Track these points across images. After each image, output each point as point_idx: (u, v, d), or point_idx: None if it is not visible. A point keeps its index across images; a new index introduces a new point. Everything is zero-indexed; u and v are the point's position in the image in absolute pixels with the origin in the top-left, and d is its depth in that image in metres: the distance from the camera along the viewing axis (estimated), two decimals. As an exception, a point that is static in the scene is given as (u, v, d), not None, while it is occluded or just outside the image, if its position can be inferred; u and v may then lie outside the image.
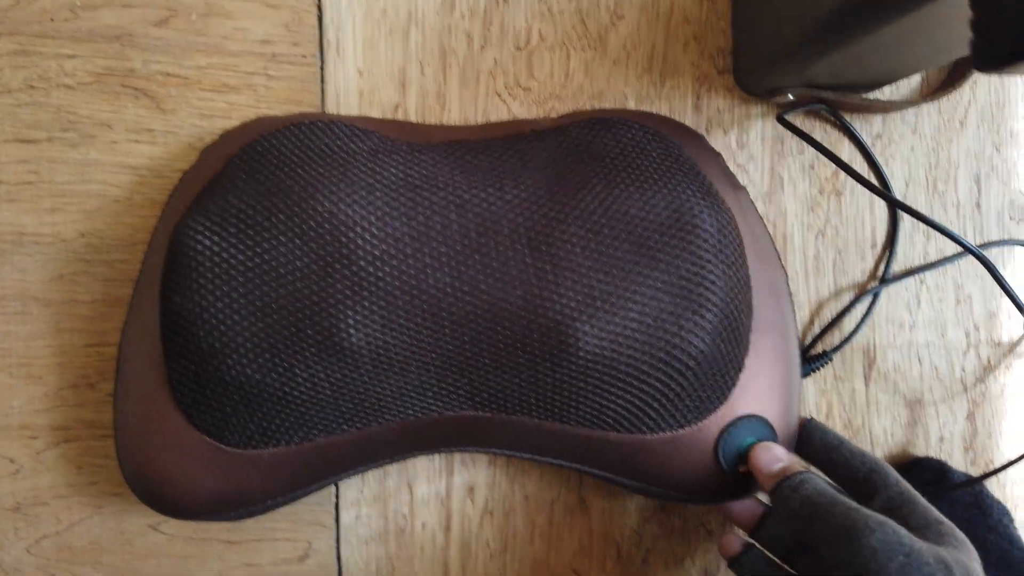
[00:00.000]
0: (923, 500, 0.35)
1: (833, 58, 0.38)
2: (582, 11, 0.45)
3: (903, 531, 0.31)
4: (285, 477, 0.38)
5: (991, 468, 0.47)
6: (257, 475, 0.38)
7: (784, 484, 0.35)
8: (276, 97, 0.44)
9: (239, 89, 0.44)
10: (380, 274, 0.35)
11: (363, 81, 0.45)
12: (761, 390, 0.39)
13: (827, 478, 0.38)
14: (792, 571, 0.38)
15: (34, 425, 0.44)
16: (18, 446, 0.44)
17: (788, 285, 0.41)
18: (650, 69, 0.46)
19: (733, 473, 0.38)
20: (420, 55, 0.45)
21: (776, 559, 0.39)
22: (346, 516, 0.45)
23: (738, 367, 0.38)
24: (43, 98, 0.43)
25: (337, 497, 0.45)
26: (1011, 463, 0.43)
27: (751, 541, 0.40)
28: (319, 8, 0.44)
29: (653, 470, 0.39)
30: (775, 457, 0.36)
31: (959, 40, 0.36)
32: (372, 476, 0.45)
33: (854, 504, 0.33)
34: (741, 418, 0.38)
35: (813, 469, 0.37)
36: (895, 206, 0.42)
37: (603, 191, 0.36)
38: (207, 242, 0.35)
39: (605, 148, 0.37)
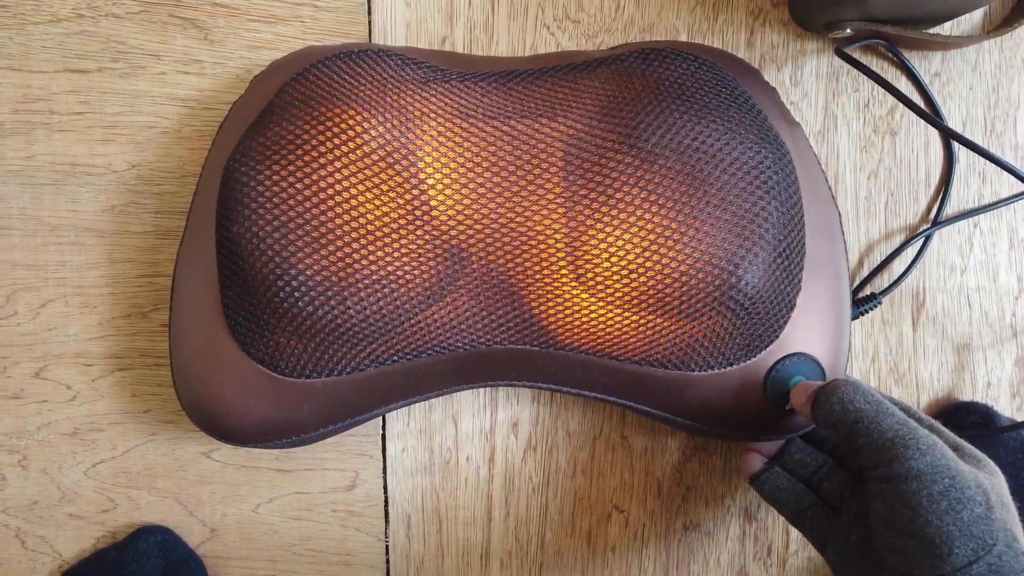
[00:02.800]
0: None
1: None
2: (635, -59, 0.44)
3: (950, 453, 0.31)
4: (336, 407, 0.39)
5: (1037, 414, 0.47)
6: (310, 404, 0.39)
7: (824, 391, 0.34)
8: (323, 28, 0.44)
9: (287, 20, 0.44)
10: (433, 203, 0.35)
11: (410, 12, 0.44)
12: (812, 329, 0.39)
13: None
14: (813, 492, 0.38)
15: (89, 353, 0.45)
16: (74, 373, 0.45)
17: (841, 226, 0.41)
18: (703, 2, 0.44)
19: (780, 410, 0.39)
20: (469, -14, 0.44)
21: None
22: (392, 448, 0.46)
23: (790, 306, 0.38)
24: (92, 27, 0.43)
25: (384, 429, 0.46)
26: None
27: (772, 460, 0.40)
28: (367, -64, 0.44)
29: (700, 407, 0.39)
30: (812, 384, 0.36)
31: None
32: (418, 410, 0.46)
33: (903, 417, 0.32)
34: (791, 356, 0.38)
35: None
36: (953, 138, 0.41)
37: (657, 121, 0.35)
38: (263, 171, 0.35)
39: (659, 78, 0.36)
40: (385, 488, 0.46)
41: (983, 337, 0.46)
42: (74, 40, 0.43)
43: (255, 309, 0.36)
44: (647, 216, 0.35)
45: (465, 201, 0.35)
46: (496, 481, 0.46)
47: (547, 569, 0.47)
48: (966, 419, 0.45)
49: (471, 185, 0.36)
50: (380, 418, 0.45)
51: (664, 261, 0.35)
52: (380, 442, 0.46)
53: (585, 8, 0.44)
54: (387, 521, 0.46)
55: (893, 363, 0.46)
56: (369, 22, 0.44)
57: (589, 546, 0.47)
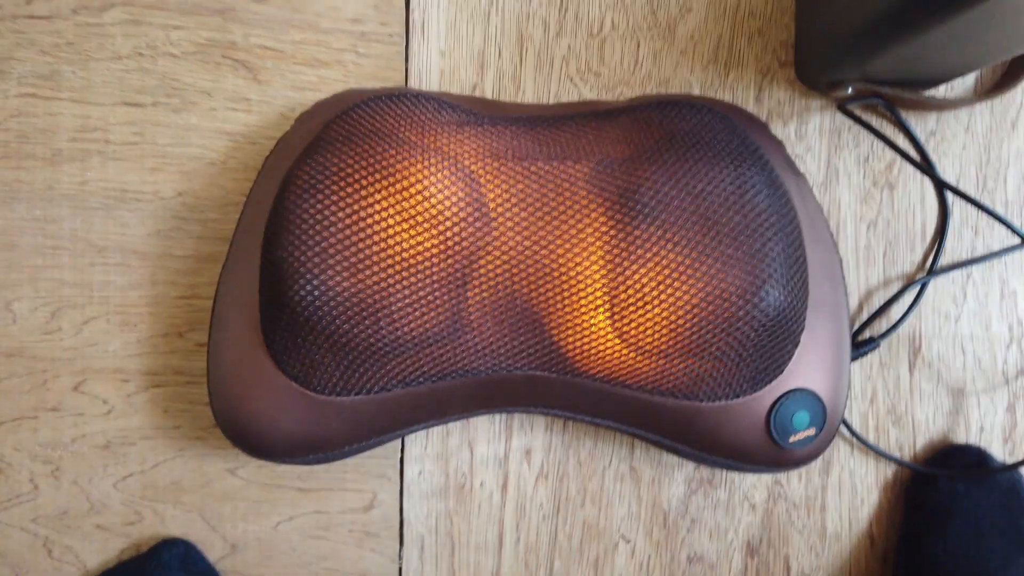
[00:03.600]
0: None
1: (892, 53, 0.40)
2: (653, 2, 0.48)
3: None
4: (363, 425, 0.41)
5: (1029, 458, 0.49)
6: (338, 421, 0.41)
7: None
8: (363, 73, 0.47)
9: (329, 64, 0.47)
10: (464, 234, 0.38)
11: (444, 61, 0.48)
12: (814, 366, 0.41)
13: None
14: None
15: (127, 369, 0.47)
16: (112, 388, 0.47)
17: (843, 270, 0.44)
18: (715, 60, 0.48)
19: (784, 443, 0.41)
20: (499, 39, 0.48)
21: None
22: (410, 471, 0.48)
23: (795, 342, 0.40)
24: (150, 65, 0.47)
25: (403, 452, 0.48)
26: (1050, 451, 0.44)
27: None
28: (407, -8, 0.47)
29: (706, 437, 0.41)
30: None
31: (1017, 37, 0.38)
32: (436, 435, 0.48)
33: None
34: (794, 391, 0.41)
35: None
36: (947, 189, 0.44)
37: (673, 166, 0.38)
38: (309, 199, 0.38)
39: (676, 127, 0.40)
40: (401, 510, 0.48)
41: (976, 383, 0.49)
42: (132, 76, 0.47)
43: (293, 327, 0.39)
44: (663, 252, 0.37)
45: (494, 234, 0.38)
46: (508, 507, 0.48)
47: (555, 595, 0.48)
48: (960, 461, 0.47)
49: (500, 219, 0.39)
50: (400, 441, 0.47)
51: (678, 295, 0.37)
52: (398, 465, 0.48)
53: (606, 62, 0.48)
54: (401, 543, 0.48)
55: (891, 405, 0.48)
56: (406, 69, 0.48)
57: (596, 574, 0.48)
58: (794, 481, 0.48)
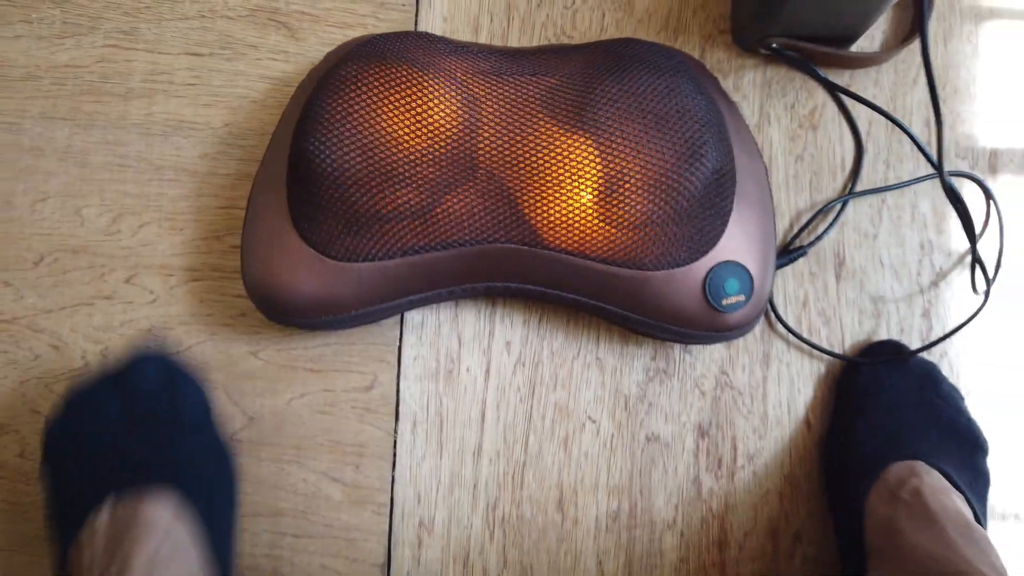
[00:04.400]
0: None
1: (792, 5, 0.51)
2: (615, -18, 0.59)
3: None
4: (369, 289, 0.50)
5: (944, 358, 0.56)
6: (349, 285, 0.49)
7: None
8: (380, 32, 0.59)
9: (354, 27, 0.59)
10: (453, 127, 0.48)
11: (446, 25, 0.59)
12: (743, 244, 0.49)
13: None
14: None
15: (171, 265, 0.56)
16: (158, 281, 0.56)
17: (767, 176, 0.53)
18: (666, 27, 0.59)
19: (718, 305, 0.49)
20: (491, 8, 0.59)
21: None
22: (407, 356, 0.56)
23: (724, 221, 0.49)
24: (210, 24, 0.58)
25: (400, 339, 0.56)
26: (954, 331, 0.52)
27: None
28: (418, -28, 0.59)
29: (653, 303, 0.49)
30: None
31: None
32: (429, 326, 0.56)
33: None
34: (725, 262, 0.49)
35: None
36: (856, 99, 0.54)
37: (621, 74, 0.48)
38: (331, 101, 0.48)
39: (626, 51, 0.50)
40: (398, 390, 0.55)
41: (895, 291, 0.56)
42: (195, 32, 0.58)
43: (315, 199, 0.48)
44: (615, 138, 0.47)
45: (480, 127, 0.48)
46: (491, 390, 0.55)
47: (528, 467, 0.55)
48: (882, 351, 0.54)
49: (485, 117, 0.48)
50: (398, 329, 0.55)
51: (627, 172, 0.46)
52: (397, 351, 0.56)
53: (577, 28, 0.59)
54: (397, 419, 0.55)
55: (821, 308, 0.56)
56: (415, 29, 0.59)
57: (565, 450, 0.55)
58: (739, 372, 0.55)
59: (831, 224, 0.56)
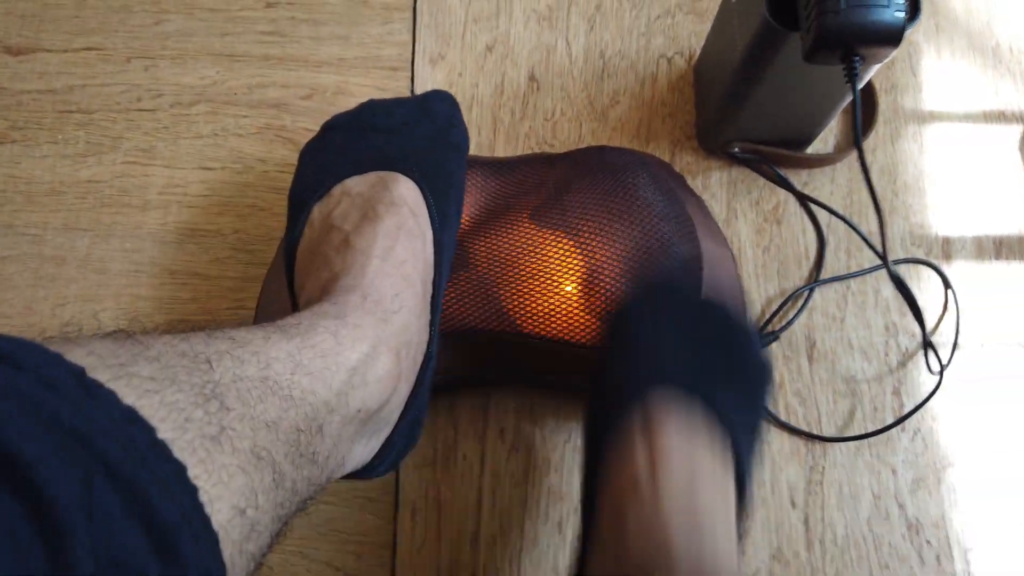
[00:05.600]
0: None
1: (747, 114, 0.57)
2: (591, 96, 0.66)
3: None
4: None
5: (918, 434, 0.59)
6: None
7: None
8: (378, 146, 0.64)
9: (353, 141, 0.64)
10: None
11: (438, 138, 0.65)
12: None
13: None
14: None
15: (181, 364, 0.59)
16: (168, 379, 0.59)
17: (735, 265, 0.57)
18: (638, 135, 0.65)
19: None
20: (478, 122, 0.65)
21: None
22: (404, 445, 0.58)
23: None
24: (222, 142, 0.64)
25: (399, 429, 0.58)
26: (907, 416, 0.55)
27: None
28: (411, 92, 0.66)
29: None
30: None
31: (820, 110, 0.54)
32: (427, 418, 0.58)
33: None
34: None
35: None
36: (820, 207, 0.58)
37: (590, 181, 0.53)
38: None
39: (597, 157, 0.55)
40: (397, 479, 0.58)
41: (865, 371, 0.60)
42: (208, 149, 0.64)
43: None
44: (590, 235, 0.52)
45: (473, 235, 0.53)
46: (486, 476, 0.58)
47: (525, 553, 0.56)
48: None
49: (478, 226, 0.53)
50: (397, 419, 0.58)
51: (602, 267, 0.51)
52: (395, 440, 0.58)
53: (558, 137, 0.65)
54: (396, 507, 0.57)
55: (797, 389, 0.60)
56: (409, 143, 0.64)
57: (560, 533, 0.57)
58: (722, 452, 0.58)
59: (800, 310, 0.60)
